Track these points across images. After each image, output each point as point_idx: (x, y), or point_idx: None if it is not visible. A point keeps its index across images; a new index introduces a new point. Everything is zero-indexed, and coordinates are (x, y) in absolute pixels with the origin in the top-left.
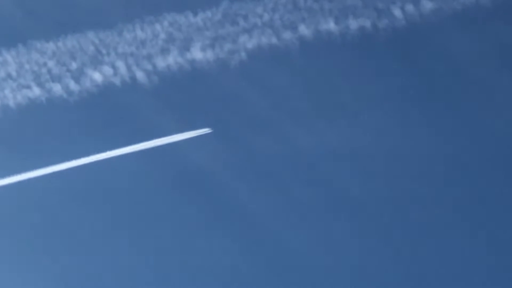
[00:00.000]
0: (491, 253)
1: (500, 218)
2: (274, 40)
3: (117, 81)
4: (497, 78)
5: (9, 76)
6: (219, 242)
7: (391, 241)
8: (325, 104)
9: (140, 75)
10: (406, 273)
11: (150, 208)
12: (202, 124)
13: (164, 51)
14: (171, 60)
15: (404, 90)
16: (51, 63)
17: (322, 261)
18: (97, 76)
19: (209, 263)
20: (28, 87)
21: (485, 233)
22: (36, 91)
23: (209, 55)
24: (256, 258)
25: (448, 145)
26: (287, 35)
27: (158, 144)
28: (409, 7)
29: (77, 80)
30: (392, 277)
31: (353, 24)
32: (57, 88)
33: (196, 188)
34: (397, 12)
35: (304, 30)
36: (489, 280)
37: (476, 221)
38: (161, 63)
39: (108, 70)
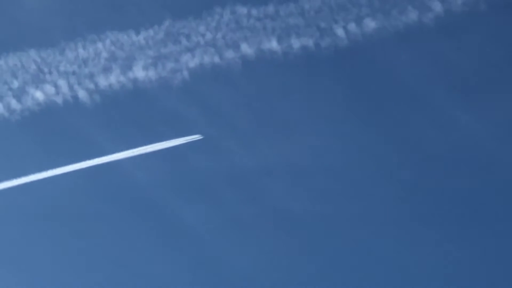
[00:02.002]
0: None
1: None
2: (216, 59)
3: (59, 99)
4: (439, 95)
5: None
6: (159, 255)
7: (327, 255)
8: (266, 122)
9: (82, 93)
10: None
11: (92, 223)
12: (144, 142)
13: (106, 69)
14: (113, 79)
15: (346, 108)
16: None
17: (260, 275)
18: (39, 95)
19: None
20: None
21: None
22: None
23: (152, 73)
24: (192, 268)
25: (390, 161)
26: (230, 54)
27: (99, 162)
28: (352, 26)
29: (18, 98)
30: None
31: (296, 43)
32: None
33: (134, 205)
34: (339, 31)
35: (246, 49)
36: None
37: (419, 235)
38: (103, 81)
39: (50, 88)
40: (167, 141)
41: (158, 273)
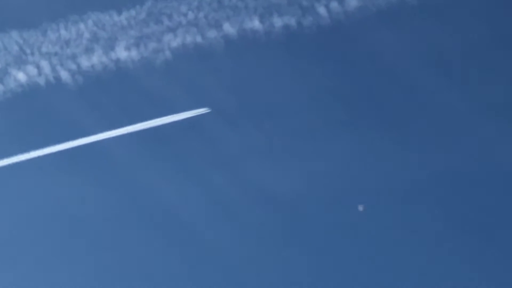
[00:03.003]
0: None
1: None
2: (198, 38)
3: (41, 81)
4: (422, 75)
5: None
6: (141, 236)
7: (314, 237)
8: (248, 102)
9: (64, 74)
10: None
11: (75, 205)
12: (129, 122)
13: (89, 50)
14: (96, 59)
15: (329, 87)
16: None
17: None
18: (21, 76)
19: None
20: None
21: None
22: None
23: (134, 54)
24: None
25: (371, 143)
26: (212, 33)
27: (82, 143)
28: (334, 5)
29: (0, 80)
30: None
31: (278, 22)
32: None
33: (119, 185)
34: (321, 10)
35: (228, 28)
36: None
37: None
38: (85, 62)
39: (32, 70)
40: (150, 121)
41: (143, 254)
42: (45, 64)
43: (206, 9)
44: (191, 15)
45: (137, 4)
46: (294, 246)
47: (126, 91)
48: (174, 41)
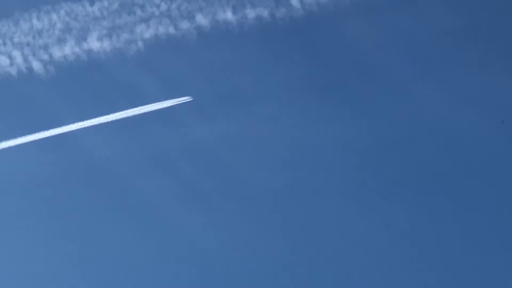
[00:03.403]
0: None
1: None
2: (171, 29)
3: (13, 71)
4: (395, 66)
5: None
6: (115, 224)
7: (287, 226)
8: (222, 93)
9: (36, 65)
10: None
11: (47, 191)
12: (101, 112)
13: (61, 41)
14: (68, 50)
15: (302, 77)
16: None
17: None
18: None
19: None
20: None
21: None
22: None
23: (106, 44)
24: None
25: (344, 134)
26: (185, 24)
27: (56, 133)
28: None
29: None
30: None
31: (251, 13)
32: None
33: (91, 176)
34: (294, 2)
35: (201, 19)
36: None
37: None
38: (57, 53)
39: (4, 60)
40: (122, 112)
41: (115, 243)
42: (17, 54)
43: (179, 0)
44: (163, 6)
45: None
46: (266, 235)
47: (99, 81)
48: (146, 32)
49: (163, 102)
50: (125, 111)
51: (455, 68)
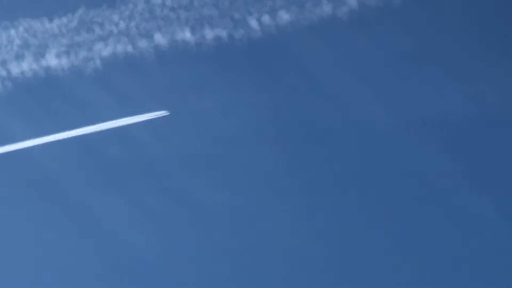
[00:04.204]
0: None
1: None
2: (129, 48)
3: None
4: (353, 89)
5: None
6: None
7: (235, 246)
8: (177, 113)
9: None
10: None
11: None
12: (57, 129)
13: (19, 57)
14: (26, 66)
15: (259, 101)
16: None
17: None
18: None
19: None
20: None
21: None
22: None
23: (64, 62)
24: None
25: (302, 153)
26: (143, 43)
27: (8, 150)
28: (266, 18)
29: None
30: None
31: (209, 34)
32: None
33: (42, 193)
34: (253, 23)
35: (160, 39)
36: None
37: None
38: (15, 69)
39: None
40: (78, 129)
41: (62, 264)
42: None
43: (137, 19)
44: (122, 25)
45: (69, 12)
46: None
47: (55, 98)
48: (105, 50)
49: (119, 120)
50: (82, 128)
51: (409, 90)
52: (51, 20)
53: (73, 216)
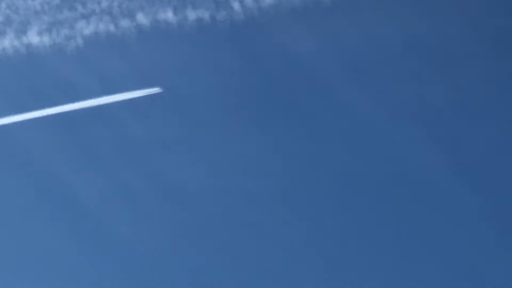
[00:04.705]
0: None
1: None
2: (111, 27)
3: None
4: (335, 75)
5: None
6: (46, 226)
7: (219, 233)
8: (157, 94)
9: None
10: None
11: None
12: (38, 106)
13: (1, 33)
14: (7, 43)
15: (240, 84)
16: None
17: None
18: None
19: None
20: None
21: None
22: None
23: (46, 39)
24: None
25: (283, 136)
26: (125, 23)
27: None
28: (248, 1)
29: None
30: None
31: (192, 15)
32: None
33: (22, 171)
34: (236, 5)
35: (142, 18)
36: None
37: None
38: None
39: None
40: (60, 106)
41: (48, 243)
42: None
43: None
44: (104, 3)
45: None
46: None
47: (36, 76)
48: (86, 28)
49: (98, 98)
50: (63, 106)
51: (391, 76)
52: None
53: (50, 194)
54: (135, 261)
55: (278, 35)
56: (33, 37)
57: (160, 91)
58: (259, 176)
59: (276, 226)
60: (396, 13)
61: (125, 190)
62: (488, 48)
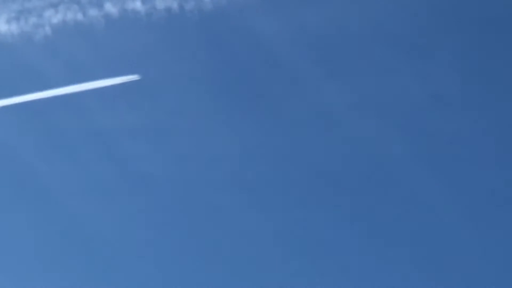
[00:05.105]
0: None
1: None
2: (79, 16)
3: None
4: (304, 63)
5: None
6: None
7: (187, 220)
8: (126, 84)
9: None
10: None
11: None
12: (12, 94)
13: None
14: None
15: (208, 72)
16: None
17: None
18: None
19: None
20: None
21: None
22: None
23: (14, 27)
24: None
25: (251, 127)
26: (93, 12)
27: None
28: None
29: None
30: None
31: (160, 4)
32: None
33: None
34: None
35: (110, 7)
36: None
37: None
38: None
39: None
40: (27, 95)
41: (11, 234)
42: None
43: None
44: None
45: None
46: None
47: (6, 64)
48: (55, 17)
49: (66, 87)
50: (29, 95)
51: (362, 68)
52: None
53: (18, 183)
54: (105, 252)
55: (246, 24)
56: (1, 25)
57: (132, 79)
58: (229, 165)
59: (241, 214)
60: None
61: (92, 178)
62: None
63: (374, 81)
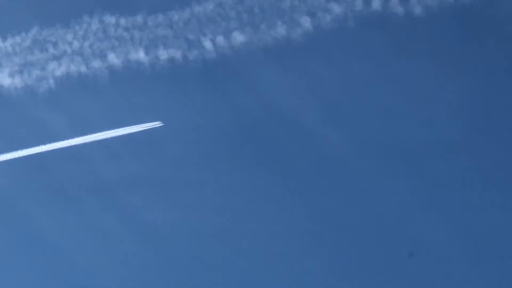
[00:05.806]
0: None
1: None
2: (83, 68)
3: None
4: (305, 111)
5: None
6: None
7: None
8: (131, 135)
9: None
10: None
11: None
12: (7, 148)
13: None
14: None
15: (212, 121)
16: None
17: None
18: None
19: None
20: None
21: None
22: None
23: (17, 81)
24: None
25: (255, 174)
26: (96, 63)
27: None
28: (220, 39)
29: None
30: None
31: (163, 54)
32: None
33: None
34: (207, 44)
35: (113, 59)
36: None
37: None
38: None
39: None
40: (32, 148)
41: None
42: None
43: (91, 39)
44: (76, 44)
45: (22, 31)
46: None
47: (7, 117)
48: (58, 69)
49: (71, 140)
50: (34, 148)
51: (365, 115)
52: (4, 38)
53: (21, 234)
54: None
55: (249, 73)
56: (5, 79)
57: (134, 131)
58: (232, 214)
59: (245, 263)
60: (366, 49)
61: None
62: None
63: (378, 125)
